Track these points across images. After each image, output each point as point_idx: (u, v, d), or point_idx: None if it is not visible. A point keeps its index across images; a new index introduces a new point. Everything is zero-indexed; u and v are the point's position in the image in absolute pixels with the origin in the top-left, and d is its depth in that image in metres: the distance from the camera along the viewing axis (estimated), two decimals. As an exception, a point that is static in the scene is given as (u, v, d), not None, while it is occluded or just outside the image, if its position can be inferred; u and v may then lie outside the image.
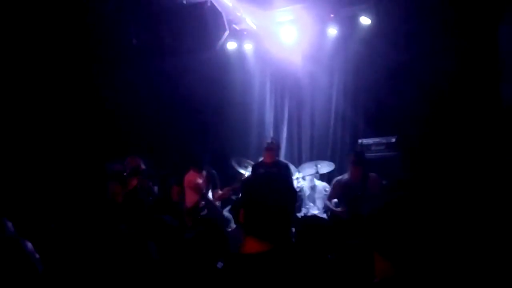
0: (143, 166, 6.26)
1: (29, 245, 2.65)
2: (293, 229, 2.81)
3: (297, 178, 6.38)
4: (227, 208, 6.55)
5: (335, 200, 5.53)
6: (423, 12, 5.96)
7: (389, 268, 1.47)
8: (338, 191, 5.45)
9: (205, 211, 5.87)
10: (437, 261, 1.49)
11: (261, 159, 6.19)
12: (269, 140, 6.36)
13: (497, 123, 5.47)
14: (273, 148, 6.01)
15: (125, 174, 6.17)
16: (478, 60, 5.80)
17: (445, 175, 5.40)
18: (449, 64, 5.93)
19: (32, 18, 6.04)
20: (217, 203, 6.28)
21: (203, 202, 5.87)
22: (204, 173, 6.08)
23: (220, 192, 6.18)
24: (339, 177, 5.61)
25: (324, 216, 5.78)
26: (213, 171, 6.25)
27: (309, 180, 6.48)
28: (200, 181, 5.99)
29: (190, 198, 5.91)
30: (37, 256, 2.64)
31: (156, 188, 6.21)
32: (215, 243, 2.71)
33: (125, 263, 2.38)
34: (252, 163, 6.41)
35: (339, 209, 5.37)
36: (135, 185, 5.97)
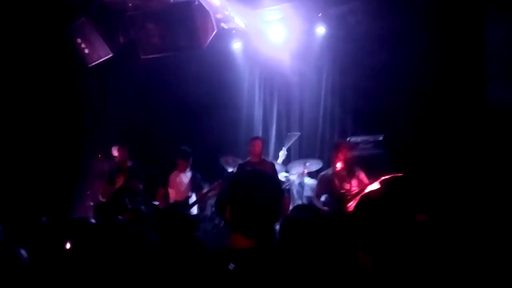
0: (129, 163, 6.21)
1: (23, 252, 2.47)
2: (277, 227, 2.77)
3: (286, 176, 6.39)
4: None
5: (324, 197, 5.50)
6: (409, 12, 6.01)
7: (369, 262, 1.48)
8: (325, 187, 5.41)
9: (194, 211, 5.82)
10: (417, 257, 1.51)
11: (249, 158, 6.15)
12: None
13: (483, 122, 5.53)
14: (260, 139, 5.94)
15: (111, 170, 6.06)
16: (465, 59, 5.87)
17: (431, 173, 5.46)
18: (436, 63, 5.99)
19: (17, 18, 5.99)
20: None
21: (191, 200, 5.82)
22: (189, 174, 6.01)
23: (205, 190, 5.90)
24: (323, 172, 5.60)
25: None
26: (198, 174, 6.13)
27: (298, 177, 6.48)
28: (184, 180, 5.94)
29: (174, 198, 5.86)
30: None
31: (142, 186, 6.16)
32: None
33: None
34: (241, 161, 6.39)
35: (325, 208, 5.36)
36: (122, 184, 5.92)
